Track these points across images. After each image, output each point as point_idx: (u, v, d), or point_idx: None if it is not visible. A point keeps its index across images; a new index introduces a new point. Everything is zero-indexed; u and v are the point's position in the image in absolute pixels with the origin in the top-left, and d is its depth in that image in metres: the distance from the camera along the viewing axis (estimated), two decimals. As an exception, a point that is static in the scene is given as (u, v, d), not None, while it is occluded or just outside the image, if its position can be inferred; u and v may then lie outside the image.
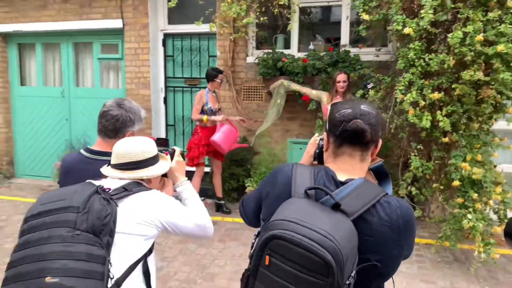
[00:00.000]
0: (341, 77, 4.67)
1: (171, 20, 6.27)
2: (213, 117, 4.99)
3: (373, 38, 5.11)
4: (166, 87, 6.38)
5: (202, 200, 5.38)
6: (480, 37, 3.43)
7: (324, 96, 4.88)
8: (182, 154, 1.99)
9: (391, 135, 4.39)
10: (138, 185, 1.67)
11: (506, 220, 3.85)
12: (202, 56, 6.15)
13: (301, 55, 5.51)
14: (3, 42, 6.79)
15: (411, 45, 3.78)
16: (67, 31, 6.45)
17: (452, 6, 3.67)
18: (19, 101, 6.94)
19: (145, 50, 6.10)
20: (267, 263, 1.01)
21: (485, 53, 3.48)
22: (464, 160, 3.72)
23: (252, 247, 1.09)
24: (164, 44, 6.30)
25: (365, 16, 4.10)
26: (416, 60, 3.79)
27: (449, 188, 4.04)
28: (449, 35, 3.56)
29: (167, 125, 6.46)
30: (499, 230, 3.77)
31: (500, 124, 4.32)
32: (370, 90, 4.53)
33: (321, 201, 1.10)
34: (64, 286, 1.27)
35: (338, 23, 5.60)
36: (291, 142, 5.70)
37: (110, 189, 1.58)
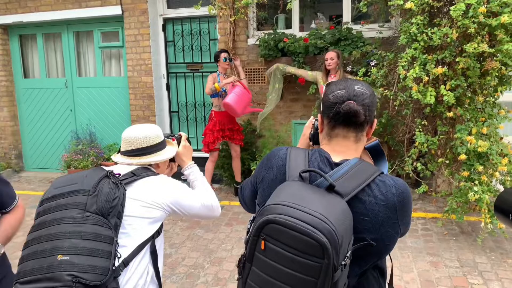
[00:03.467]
0: (328, 54, 4.64)
1: (170, 4, 6.21)
2: (224, 82, 4.88)
3: (376, 14, 5.04)
4: (168, 73, 6.37)
5: (210, 185, 5.42)
6: (483, 8, 3.39)
7: (319, 77, 4.86)
8: (187, 139, 2.04)
9: (395, 112, 4.39)
10: (146, 170, 1.75)
11: None
12: (203, 40, 6.12)
13: (303, 34, 5.47)
14: (4, 35, 6.78)
15: (413, 20, 3.74)
16: (67, 20, 6.43)
17: (454, -23, 3.61)
18: (23, 93, 6.97)
19: (146, 36, 6.08)
20: (262, 248, 1.01)
21: (488, 25, 3.44)
22: (470, 134, 3.72)
23: (247, 232, 1.09)
24: (164, 29, 6.26)
25: (366, -8, 4.05)
26: (419, 34, 3.75)
27: (455, 162, 4.06)
28: (452, 7, 3.51)
29: (170, 111, 6.48)
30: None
31: (508, 96, 4.29)
32: (372, 67, 4.50)
33: (316, 183, 1.10)
34: (73, 263, 1.37)
35: (340, 0, 5.53)
36: (295, 124, 5.70)
37: (119, 174, 1.65)
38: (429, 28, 3.72)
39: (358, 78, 4.38)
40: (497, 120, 3.96)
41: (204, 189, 1.89)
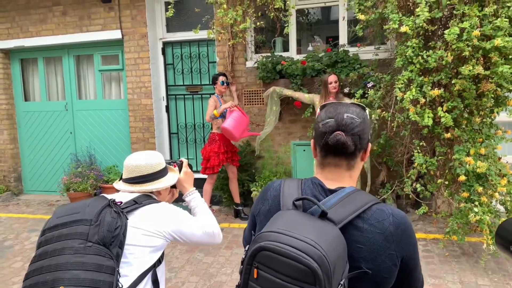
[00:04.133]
0: (332, 78, 4.74)
1: (169, 28, 6.32)
2: (222, 107, 4.92)
3: (371, 36, 5.13)
4: (167, 95, 6.43)
5: (209, 207, 5.40)
6: (477, 32, 3.45)
7: (316, 99, 4.92)
8: (189, 165, 2.05)
9: (394, 133, 4.41)
10: (148, 198, 1.76)
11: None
12: (202, 63, 6.20)
13: (300, 57, 5.55)
14: (5, 59, 6.86)
15: (409, 43, 3.80)
16: (68, 44, 6.53)
17: (448, 2, 3.69)
18: (24, 116, 7.01)
19: (145, 60, 6.16)
20: (255, 276, 1.00)
21: (482, 48, 3.49)
22: (468, 155, 3.73)
23: (242, 262, 1.08)
24: (163, 53, 6.35)
25: (361, 16, 4.12)
26: (414, 57, 3.81)
27: (454, 182, 4.06)
28: (446, 31, 3.58)
29: (170, 133, 6.51)
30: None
31: (504, 117, 4.31)
32: (370, 89, 4.55)
33: (310, 211, 1.10)
34: None
35: (336, 22, 5.63)
36: (294, 145, 5.72)
37: (121, 202, 1.66)
38: (425, 51, 3.78)
39: (356, 100, 4.43)
40: (494, 141, 3.98)
41: (205, 216, 1.90)
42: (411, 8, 4.00)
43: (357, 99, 4.41)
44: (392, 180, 4.81)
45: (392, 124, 4.19)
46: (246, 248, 1.11)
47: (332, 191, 1.17)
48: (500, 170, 3.85)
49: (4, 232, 5.34)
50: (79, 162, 6.39)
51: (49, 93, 6.96)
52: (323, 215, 1.07)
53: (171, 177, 1.90)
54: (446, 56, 3.63)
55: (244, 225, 5.13)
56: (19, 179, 7.13)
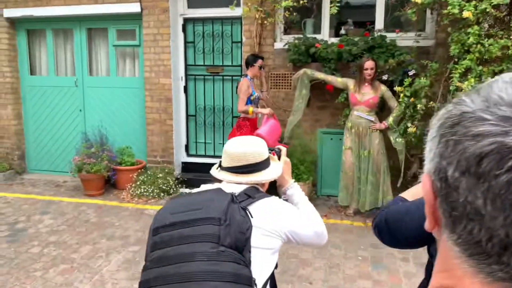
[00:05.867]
0: (368, 64, 4.48)
1: (190, 4, 5.95)
2: (259, 110, 4.74)
3: (414, 22, 4.87)
4: (186, 75, 6.09)
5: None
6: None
7: (350, 83, 4.67)
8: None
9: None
10: (258, 191, 1.51)
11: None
12: (225, 42, 5.86)
13: (333, 40, 5.27)
14: (11, 29, 6.39)
15: (470, 30, 3.56)
16: (80, 16, 6.09)
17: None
18: (29, 91, 6.58)
19: (165, 36, 5.79)
20: None
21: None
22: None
23: None
24: (184, 30, 5.99)
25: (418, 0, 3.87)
26: (474, 45, 3.58)
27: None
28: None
29: (187, 115, 6.19)
30: None
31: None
32: (410, 77, 4.33)
33: None
34: None
35: (369, 7, 5.36)
36: (321, 132, 5.48)
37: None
38: (486, 39, 3.56)
39: (402, 88, 4.19)
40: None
41: (312, 213, 1.64)
42: (470, -7, 3.76)
43: (405, 87, 4.17)
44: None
45: (442, 116, 3.98)
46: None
47: None
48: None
49: (13, 213, 5.01)
50: (89, 142, 6.03)
51: (58, 67, 6.54)
52: None
53: (276, 167, 1.64)
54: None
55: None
56: (22, 157, 6.73)
